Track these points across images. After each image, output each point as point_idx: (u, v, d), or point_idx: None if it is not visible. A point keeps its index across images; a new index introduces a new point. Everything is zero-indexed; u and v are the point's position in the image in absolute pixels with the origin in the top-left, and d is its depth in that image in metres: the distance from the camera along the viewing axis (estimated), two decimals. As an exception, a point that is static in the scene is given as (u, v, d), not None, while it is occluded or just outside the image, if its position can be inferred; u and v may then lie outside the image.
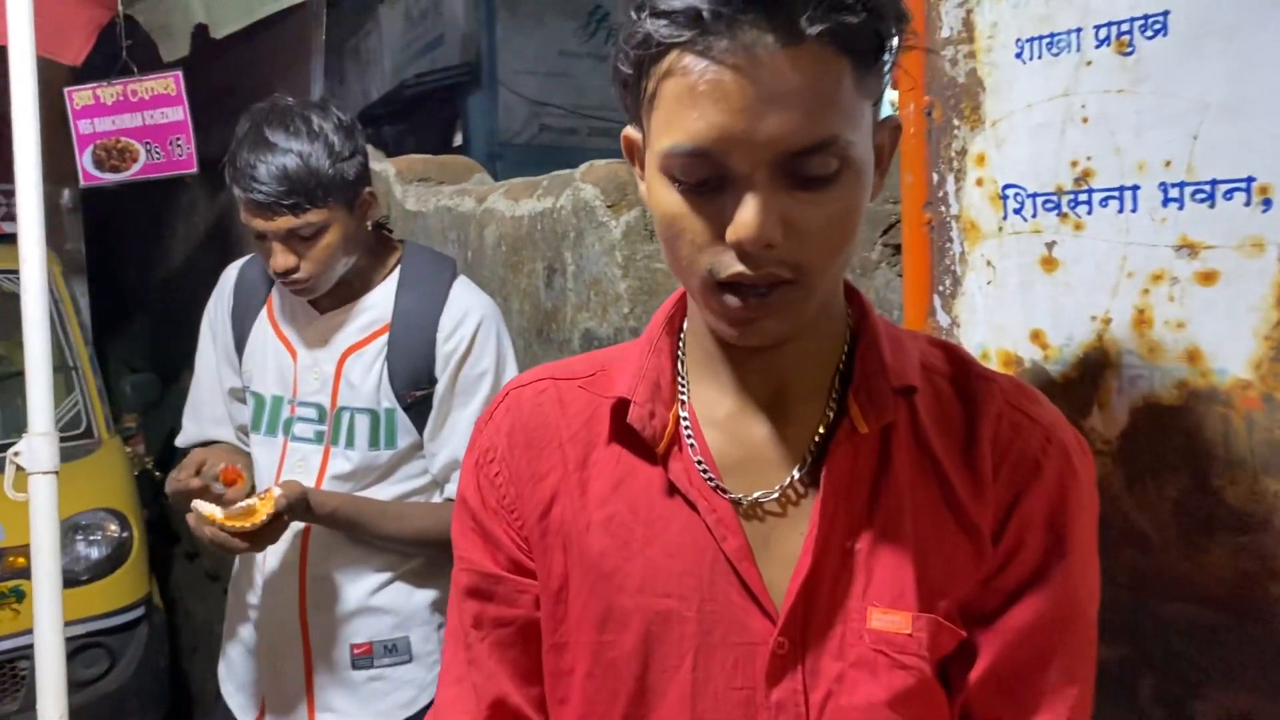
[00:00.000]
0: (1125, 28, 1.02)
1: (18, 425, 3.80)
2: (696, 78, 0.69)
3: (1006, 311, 1.16)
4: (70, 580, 3.35)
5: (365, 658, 1.77)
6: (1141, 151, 1.02)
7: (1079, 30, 1.06)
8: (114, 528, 3.44)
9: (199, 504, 1.57)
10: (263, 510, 1.54)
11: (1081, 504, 0.82)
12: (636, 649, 0.84)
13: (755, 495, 0.83)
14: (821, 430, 0.84)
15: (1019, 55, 1.12)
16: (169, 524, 4.60)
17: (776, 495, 0.83)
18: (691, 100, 0.70)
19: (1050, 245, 1.11)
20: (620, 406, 0.87)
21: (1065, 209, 1.09)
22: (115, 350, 5.62)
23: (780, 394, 0.85)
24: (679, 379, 0.89)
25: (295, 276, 1.66)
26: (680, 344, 0.90)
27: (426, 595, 1.80)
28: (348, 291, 1.78)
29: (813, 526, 0.81)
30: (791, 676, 0.81)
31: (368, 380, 1.73)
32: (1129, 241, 1.04)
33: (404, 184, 2.89)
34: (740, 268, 0.72)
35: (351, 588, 1.77)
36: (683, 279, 0.79)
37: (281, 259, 1.64)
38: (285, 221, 1.61)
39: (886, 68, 0.74)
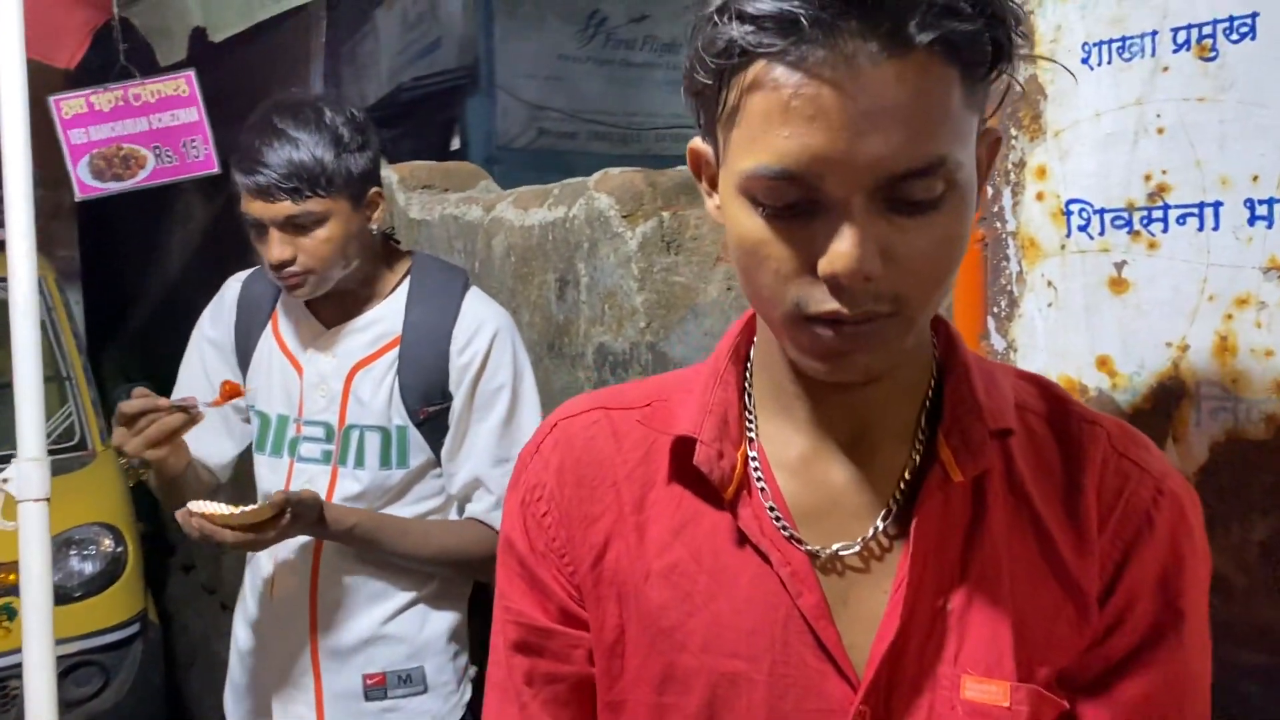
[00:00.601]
0: (1207, 31, 0.94)
1: (9, 439, 3.74)
2: (789, 92, 0.61)
3: (1070, 336, 1.08)
4: (63, 597, 3.28)
5: (379, 689, 1.68)
6: (1225, 165, 0.94)
7: (1155, 34, 0.98)
8: (108, 542, 3.36)
9: (194, 503, 1.49)
10: (265, 509, 1.47)
11: (1197, 563, 0.73)
12: (700, 713, 0.76)
13: (835, 547, 0.75)
14: (907, 475, 0.75)
15: (1085, 60, 1.04)
16: (165, 536, 4.51)
17: (858, 548, 0.75)
18: (782, 117, 0.61)
19: (1120, 265, 1.03)
20: (681, 444, 0.79)
21: (1137, 226, 1.01)
22: (110, 360, 5.52)
23: (861, 434, 0.76)
24: (746, 415, 0.81)
25: (291, 270, 1.58)
26: (747, 375, 0.82)
27: (441, 623, 1.72)
28: (355, 303, 1.70)
29: (900, 583, 0.72)
30: None
31: (378, 396, 1.65)
32: (1210, 262, 0.96)
33: (407, 191, 2.80)
34: (834, 305, 0.64)
35: (364, 616, 1.69)
36: (762, 310, 0.71)
37: (278, 249, 1.57)
38: (284, 208, 1.54)
39: (996, 78, 0.66)
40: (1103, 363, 1.06)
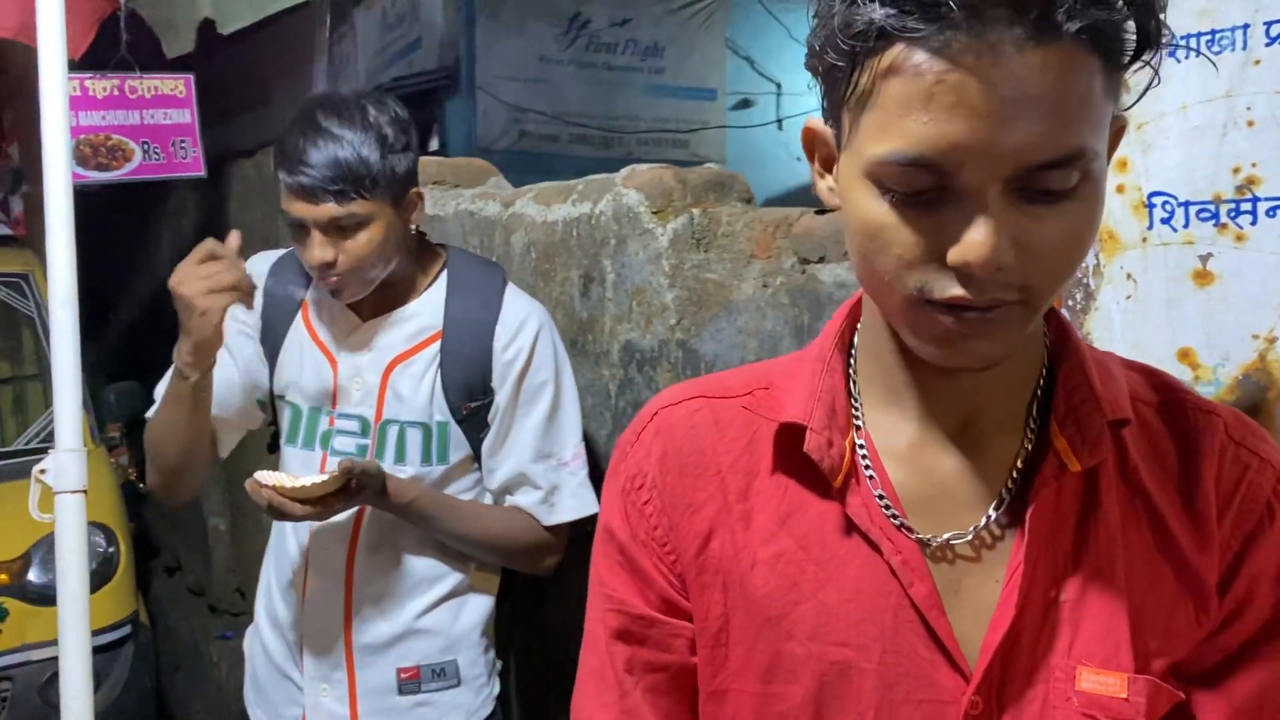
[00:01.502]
0: (1303, 25, 0.95)
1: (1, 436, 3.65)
2: (930, 78, 0.60)
3: (1149, 329, 1.09)
4: (54, 597, 3.21)
5: (412, 682, 1.67)
6: (1318, 158, 0.95)
7: (1246, 26, 0.99)
8: (100, 542, 3.30)
9: (261, 473, 1.48)
10: (333, 479, 1.46)
11: None
12: (808, 703, 0.75)
13: (946, 536, 0.74)
14: (1020, 465, 0.75)
15: (1172, 54, 1.05)
16: (149, 537, 4.44)
17: (970, 537, 0.74)
18: (922, 103, 0.60)
19: (1205, 258, 1.04)
20: (788, 431, 0.79)
21: (1224, 219, 1.02)
22: (98, 358, 5.43)
23: (971, 422, 0.76)
24: (853, 402, 0.80)
25: (333, 272, 1.56)
26: (851, 363, 0.82)
27: (473, 617, 1.72)
28: (391, 297, 1.68)
29: (1014, 573, 0.72)
30: None
31: (419, 392, 1.63)
32: (1301, 254, 0.97)
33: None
34: (961, 291, 0.64)
35: (398, 609, 1.67)
36: (879, 294, 0.70)
37: (319, 251, 1.55)
38: (328, 209, 1.52)
39: (1137, 69, 0.66)
40: (1184, 355, 1.06)
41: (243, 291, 1.52)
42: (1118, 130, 0.72)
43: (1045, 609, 0.73)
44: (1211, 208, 1.03)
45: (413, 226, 1.65)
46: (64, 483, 1.43)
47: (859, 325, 0.82)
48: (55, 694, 3.13)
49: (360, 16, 9.14)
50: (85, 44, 2.71)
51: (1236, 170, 1.01)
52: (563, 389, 1.68)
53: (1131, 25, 0.62)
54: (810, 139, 0.75)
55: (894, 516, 0.75)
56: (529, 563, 1.72)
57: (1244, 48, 0.99)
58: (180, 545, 4.50)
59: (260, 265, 1.78)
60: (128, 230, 5.09)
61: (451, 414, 1.63)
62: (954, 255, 0.63)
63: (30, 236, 3.92)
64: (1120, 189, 1.10)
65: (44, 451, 3.75)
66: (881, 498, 0.76)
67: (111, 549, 3.31)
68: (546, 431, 1.65)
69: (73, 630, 1.40)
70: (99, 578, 3.26)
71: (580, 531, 1.72)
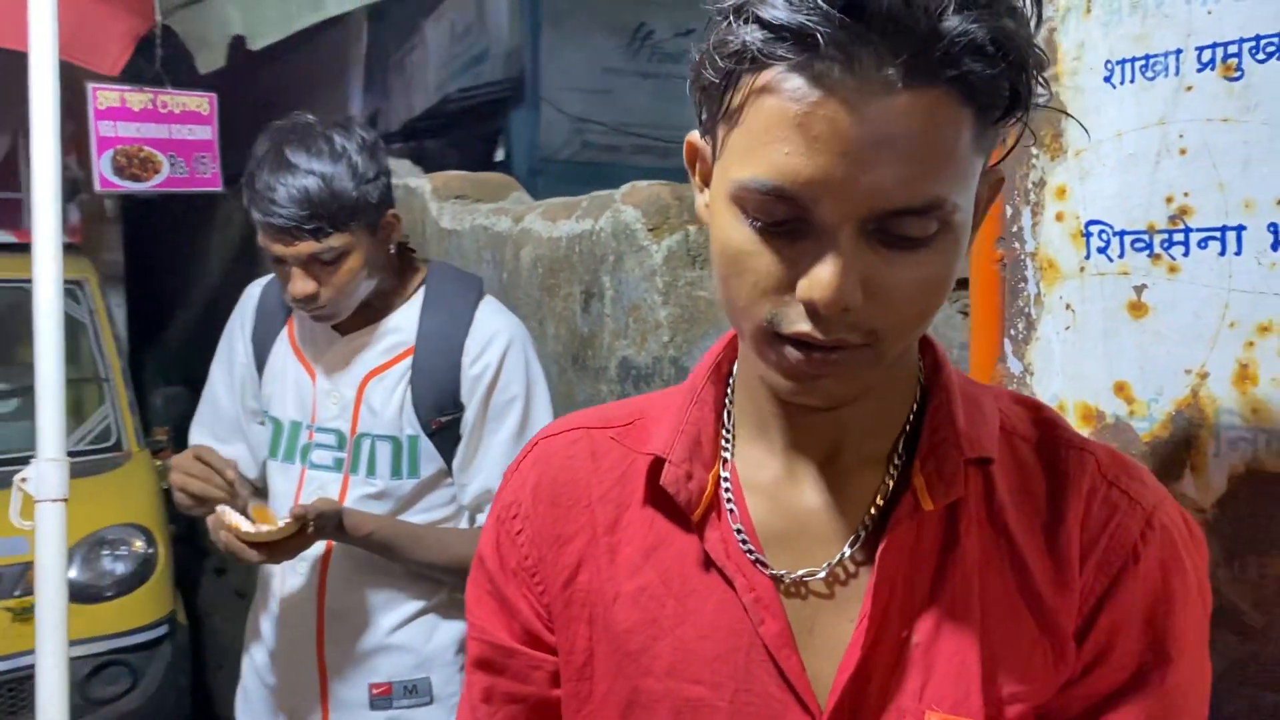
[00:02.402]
0: (1233, 50, 0.92)
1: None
2: (795, 108, 0.59)
3: (1087, 360, 1.05)
4: (94, 596, 3.31)
5: (384, 699, 1.68)
6: (1249, 188, 0.91)
7: (1179, 52, 0.96)
8: (139, 543, 3.40)
9: (225, 511, 1.51)
10: (288, 526, 1.48)
11: (1188, 600, 0.70)
12: None
13: (800, 573, 0.73)
14: (880, 502, 0.73)
15: (1108, 79, 1.01)
16: (197, 539, 4.56)
17: (824, 574, 0.73)
18: (784, 130, 0.59)
19: (1140, 289, 1.00)
20: (656, 465, 0.78)
21: (1158, 249, 0.98)
22: (150, 362, 5.60)
23: (834, 457, 0.74)
24: (724, 434, 0.79)
25: (316, 304, 1.58)
26: (729, 394, 0.80)
27: (448, 634, 1.72)
28: (370, 313, 1.70)
29: (864, 612, 0.70)
30: None
31: (389, 406, 1.65)
32: (1232, 288, 0.93)
33: (440, 201, 2.81)
34: (807, 327, 0.62)
35: (371, 624, 1.68)
36: (735, 321, 0.69)
37: (300, 285, 1.56)
38: (306, 247, 1.53)
39: (1012, 124, 0.64)
40: (1120, 388, 1.03)
41: (211, 502, 1.56)
42: (996, 182, 0.70)
43: (897, 649, 0.71)
44: (1145, 238, 0.99)
45: (390, 247, 1.67)
46: (45, 491, 1.47)
47: (737, 357, 0.81)
48: (93, 689, 3.26)
49: (430, 28, 9.31)
50: (123, 61, 2.80)
51: (1169, 200, 0.97)
52: (533, 405, 1.67)
53: (1007, 81, 0.60)
54: (691, 154, 0.74)
55: (750, 552, 0.74)
56: None
57: (1177, 74, 0.96)
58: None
59: (253, 292, 1.83)
60: (178, 241, 5.26)
61: (422, 428, 1.64)
62: (802, 289, 0.62)
63: (85, 243, 4.06)
64: (1059, 216, 1.06)
65: (94, 452, 3.88)
66: (740, 532, 0.75)
67: (150, 550, 3.40)
68: (516, 447, 1.65)
69: (50, 635, 1.44)
70: (138, 578, 3.37)
71: None
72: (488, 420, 1.65)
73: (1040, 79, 0.62)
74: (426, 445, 1.65)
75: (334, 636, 1.68)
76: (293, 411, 1.71)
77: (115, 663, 3.27)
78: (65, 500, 1.50)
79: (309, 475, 1.68)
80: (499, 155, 7.95)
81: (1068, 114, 1.00)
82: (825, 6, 0.57)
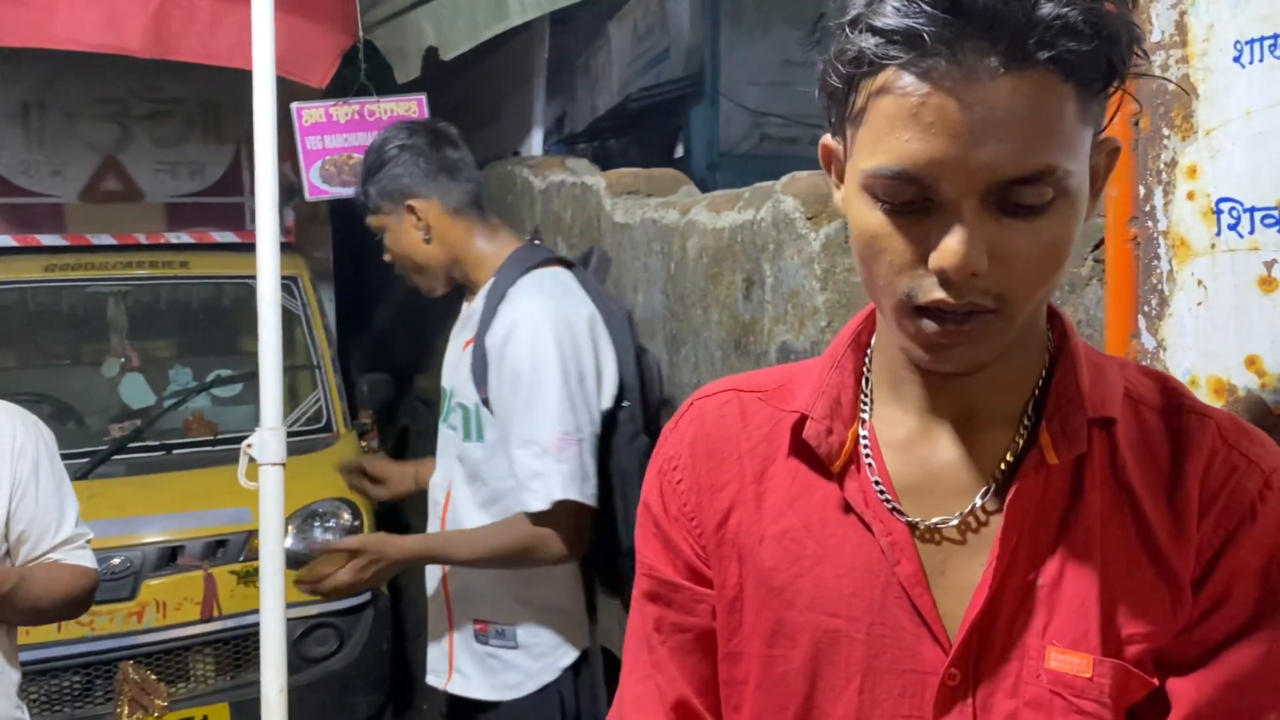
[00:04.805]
0: (1361, 26, 0.93)
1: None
2: (910, 99, 0.67)
3: (1219, 335, 1.07)
4: (307, 562, 3.64)
5: (482, 635, 1.94)
6: (1378, 162, 0.92)
7: (1307, 30, 0.97)
8: (347, 516, 3.68)
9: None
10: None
11: None
12: (804, 666, 0.83)
13: (933, 520, 0.81)
14: (1009, 458, 0.80)
15: (1238, 59, 1.03)
16: (400, 515, 4.89)
17: (955, 521, 0.80)
18: (903, 121, 0.67)
19: (1270, 265, 1.02)
20: (799, 422, 0.87)
21: (1287, 225, 1.00)
22: (355, 352, 6.02)
23: (968, 418, 0.82)
24: (862, 397, 0.87)
25: (396, 270, 2.04)
26: (867, 361, 0.89)
27: (534, 598, 1.94)
28: (470, 294, 2.02)
29: (993, 556, 0.77)
30: (961, 709, 0.78)
31: (464, 376, 1.92)
32: (1361, 261, 0.94)
33: (613, 196, 2.96)
34: (941, 294, 0.70)
35: (479, 571, 1.94)
36: (876, 298, 0.77)
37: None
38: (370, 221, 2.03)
39: (1112, 93, 0.70)
40: (1251, 362, 1.04)
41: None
42: (1113, 151, 0.76)
43: (1023, 591, 0.78)
44: (1276, 214, 1.00)
45: (419, 233, 1.95)
46: (266, 456, 1.68)
47: (877, 328, 0.89)
48: (306, 648, 3.57)
49: (614, 30, 9.53)
50: (330, 73, 3.07)
51: (1299, 175, 0.98)
52: (541, 378, 1.81)
53: (1103, 56, 0.67)
54: (826, 155, 0.83)
55: (887, 501, 0.82)
56: (533, 558, 1.85)
57: (1306, 50, 0.97)
58: (424, 524, 4.92)
59: None
60: (374, 239, 5.63)
61: (479, 397, 1.89)
62: (933, 260, 0.70)
63: (299, 243, 4.43)
64: (1191, 195, 1.09)
65: (307, 433, 4.21)
66: (877, 483, 0.83)
67: (356, 522, 3.68)
68: (526, 418, 1.81)
69: (270, 583, 1.65)
70: (345, 548, 3.66)
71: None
72: (502, 396, 1.85)
73: (1139, 50, 0.68)
74: (485, 414, 1.88)
75: (455, 577, 1.97)
76: (446, 379, 2.02)
77: (324, 625, 3.56)
78: (283, 464, 1.71)
79: (443, 433, 1.99)
80: (678, 152, 8.08)
81: (1181, 87, 1.02)
82: (929, 9, 0.65)
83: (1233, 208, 1.04)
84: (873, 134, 0.70)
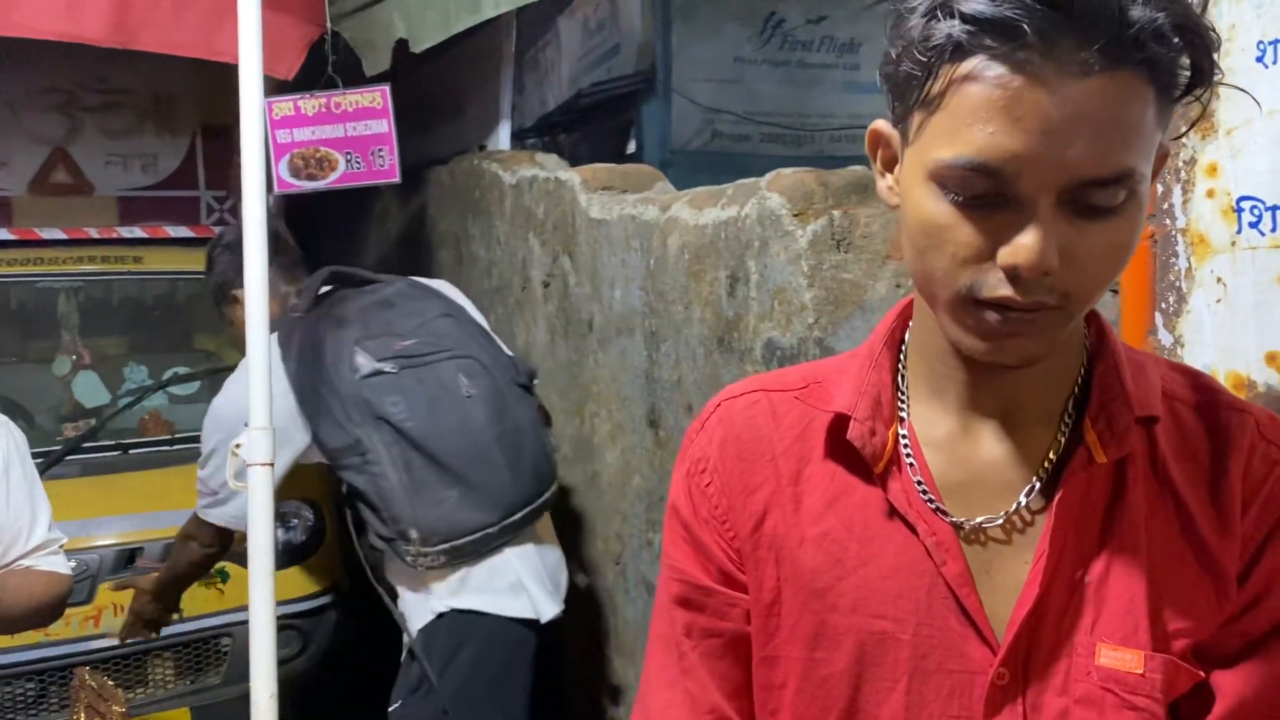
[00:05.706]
0: (1387, 28, 0.94)
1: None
2: (1000, 92, 0.66)
3: (1239, 332, 1.09)
4: (281, 563, 3.58)
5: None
6: (1404, 162, 0.94)
7: (1332, 31, 0.99)
8: (308, 516, 3.62)
9: None
10: None
11: None
12: (849, 669, 0.83)
13: (978, 520, 0.80)
14: (1053, 456, 0.80)
15: (1260, 59, 1.05)
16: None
17: (1001, 521, 0.80)
18: (988, 112, 0.66)
19: (1292, 262, 1.03)
20: (839, 422, 0.86)
21: (1310, 223, 1.02)
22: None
23: (1008, 416, 0.82)
24: (899, 395, 0.87)
25: None
26: (901, 359, 0.88)
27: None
28: None
29: (1040, 554, 0.78)
30: (1011, 708, 0.78)
31: None
32: (1386, 259, 0.96)
33: (588, 192, 2.94)
34: (1007, 291, 0.70)
35: None
36: (929, 290, 0.75)
37: None
38: None
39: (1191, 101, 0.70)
40: (1272, 358, 1.06)
41: None
42: (1162, 157, 0.76)
43: (1071, 589, 0.78)
44: (1298, 212, 1.02)
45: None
46: (254, 456, 1.64)
47: (910, 324, 0.88)
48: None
49: (563, 24, 9.47)
50: (297, 65, 3.01)
51: (1322, 174, 1.00)
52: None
53: (1186, 61, 0.67)
54: (875, 140, 0.81)
55: (930, 501, 0.82)
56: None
57: (1330, 51, 0.99)
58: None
59: None
60: (340, 233, 5.54)
61: None
62: (1005, 256, 0.69)
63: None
64: (1210, 193, 1.10)
65: (265, 433, 4.09)
66: (920, 484, 0.82)
67: (319, 524, 3.63)
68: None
69: (260, 582, 1.61)
70: (308, 548, 3.60)
71: None
72: None
73: (1213, 62, 0.69)
74: None
75: None
76: None
77: (288, 627, 3.49)
78: (272, 465, 1.67)
79: None
80: (630, 147, 8.07)
81: (1243, 90, 1.02)
82: (1028, 0, 0.64)
83: (1254, 206, 1.06)
84: (951, 122, 0.69)
